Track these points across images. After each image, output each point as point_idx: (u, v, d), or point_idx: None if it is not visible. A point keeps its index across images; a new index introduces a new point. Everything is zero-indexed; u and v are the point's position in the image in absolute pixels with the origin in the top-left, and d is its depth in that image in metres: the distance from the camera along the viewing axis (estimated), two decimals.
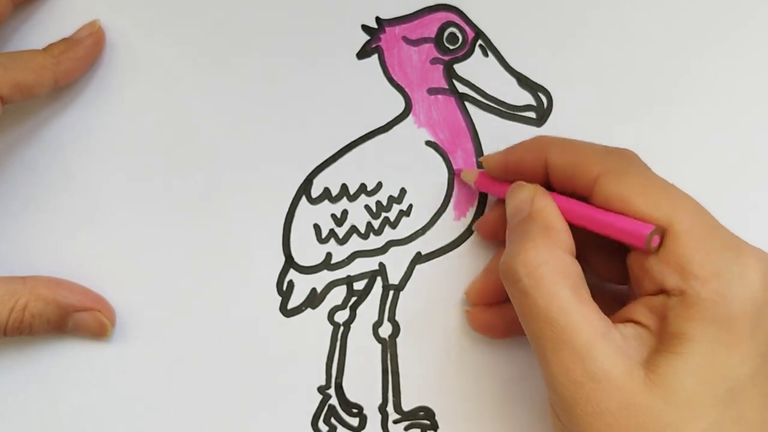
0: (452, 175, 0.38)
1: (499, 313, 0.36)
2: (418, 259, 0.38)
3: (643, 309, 0.30)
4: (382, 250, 0.38)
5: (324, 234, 0.38)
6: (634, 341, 0.29)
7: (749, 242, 0.30)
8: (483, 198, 0.38)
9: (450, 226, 0.38)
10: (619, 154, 0.33)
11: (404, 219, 0.38)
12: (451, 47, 0.39)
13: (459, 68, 0.39)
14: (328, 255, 0.38)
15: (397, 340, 0.38)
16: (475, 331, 0.37)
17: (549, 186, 0.33)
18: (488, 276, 0.37)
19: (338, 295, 0.38)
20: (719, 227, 0.30)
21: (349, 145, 0.38)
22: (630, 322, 0.30)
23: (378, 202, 0.38)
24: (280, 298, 0.38)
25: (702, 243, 0.29)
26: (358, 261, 0.38)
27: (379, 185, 0.38)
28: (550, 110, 0.39)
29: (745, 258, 0.29)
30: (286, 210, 0.38)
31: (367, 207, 0.38)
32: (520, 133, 0.39)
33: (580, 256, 0.31)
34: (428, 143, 0.38)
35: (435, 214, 0.38)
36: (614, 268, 0.34)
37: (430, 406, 0.38)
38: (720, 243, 0.29)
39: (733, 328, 0.28)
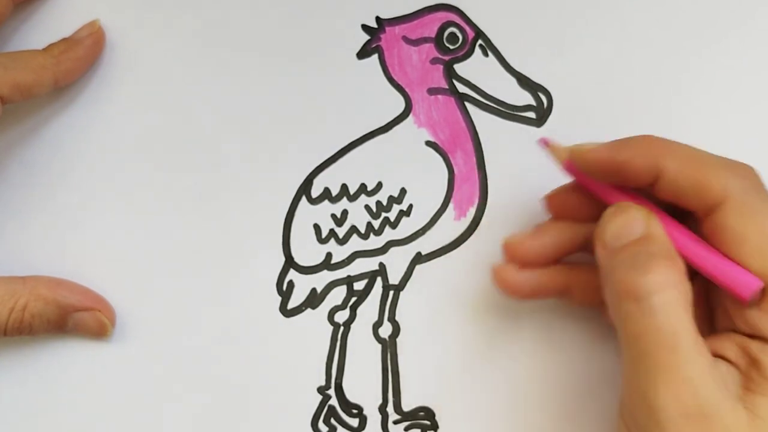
0: (452, 174, 0.38)
1: (533, 276, 0.34)
2: (418, 259, 0.38)
3: (733, 346, 0.30)
4: (382, 250, 0.38)
5: (324, 234, 0.38)
6: (729, 378, 0.29)
7: None
8: (483, 198, 0.38)
9: (450, 226, 0.38)
10: (742, 172, 0.31)
11: (404, 219, 0.38)
12: (451, 47, 0.39)
13: (459, 68, 0.39)
14: (328, 255, 0.38)
15: (397, 340, 0.38)
16: (498, 287, 0.35)
17: (650, 196, 0.32)
18: (540, 235, 0.34)
19: (338, 295, 0.38)
20: None
21: (349, 145, 0.38)
22: (721, 359, 0.30)
23: (378, 202, 0.38)
24: (280, 298, 0.38)
25: None
26: (358, 261, 0.38)
27: (379, 185, 0.38)
28: (550, 110, 0.39)
29: None
30: (286, 210, 0.38)
31: (367, 207, 0.38)
32: (520, 133, 0.39)
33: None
34: (428, 143, 0.38)
35: (435, 214, 0.38)
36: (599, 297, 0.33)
37: (430, 406, 0.38)
38: None
39: None
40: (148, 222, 0.38)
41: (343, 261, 0.38)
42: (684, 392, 0.27)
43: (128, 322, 0.38)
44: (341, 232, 0.38)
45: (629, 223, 0.31)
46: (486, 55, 0.39)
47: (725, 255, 0.30)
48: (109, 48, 0.38)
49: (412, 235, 0.38)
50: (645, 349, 0.28)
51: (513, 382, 0.38)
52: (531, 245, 0.34)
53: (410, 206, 0.38)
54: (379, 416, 0.38)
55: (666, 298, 0.28)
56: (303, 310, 0.38)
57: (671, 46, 0.39)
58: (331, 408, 0.38)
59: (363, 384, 0.38)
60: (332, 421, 0.38)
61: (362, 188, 0.38)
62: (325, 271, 0.38)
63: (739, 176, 0.30)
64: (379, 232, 0.38)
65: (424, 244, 0.38)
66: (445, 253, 0.38)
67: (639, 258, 0.29)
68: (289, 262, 0.38)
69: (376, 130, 0.38)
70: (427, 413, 0.38)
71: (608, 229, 0.31)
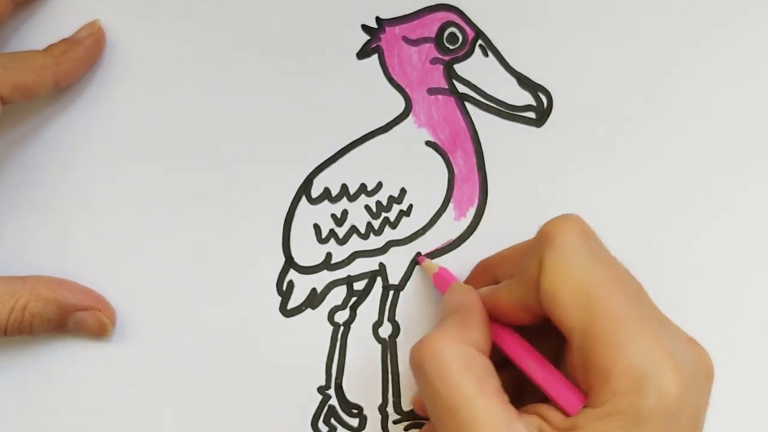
0: (452, 174, 0.38)
1: None
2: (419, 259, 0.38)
3: (551, 405, 0.30)
4: (382, 250, 0.38)
5: (324, 234, 0.38)
6: None
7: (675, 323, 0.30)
8: (483, 198, 0.38)
9: (450, 226, 0.38)
10: (560, 235, 0.31)
11: (404, 219, 0.38)
12: (451, 47, 0.39)
13: (459, 68, 0.39)
14: (328, 255, 0.38)
15: (397, 340, 0.38)
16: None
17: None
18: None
19: (338, 295, 0.38)
20: (644, 321, 0.29)
21: (349, 145, 0.38)
22: (536, 415, 0.29)
23: (378, 202, 0.38)
24: (280, 298, 0.38)
25: (621, 352, 0.28)
26: (358, 261, 0.38)
27: (379, 185, 0.38)
28: (550, 110, 0.39)
29: (664, 368, 0.28)
30: (286, 210, 0.38)
31: (367, 207, 0.38)
32: (520, 133, 0.39)
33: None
34: (428, 143, 0.38)
35: (435, 214, 0.38)
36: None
37: None
38: (642, 350, 0.28)
39: None
40: (148, 222, 0.38)
41: (343, 261, 0.38)
42: None
43: (128, 322, 0.38)
44: (341, 232, 0.38)
45: (450, 298, 0.33)
46: (486, 55, 0.39)
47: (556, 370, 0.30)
48: (109, 48, 0.38)
49: (412, 235, 0.38)
50: (433, 415, 0.29)
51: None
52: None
53: (410, 206, 0.38)
54: (379, 416, 0.38)
55: (441, 365, 0.29)
56: (303, 310, 0.38)
57: (672, 46, 0.39)
58: (331, 408, 0.38)
59: (363, 384, 0.38)
60: (332, 420, 0.38)
61: (362, 188, 0.38)
62: (325, 271, 0.38)
63: (550, 245, 0.30)
64: (379, 232, 0.38)
65: (424, 244, 0.38)
66: (445, 253, 0.38)
67: (430, 331, 0.31)
68: (289, 262, 0.38)
69: (376, 130, 0.38)
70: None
71: (441, 308, 0.34)
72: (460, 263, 0.38)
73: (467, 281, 0.37)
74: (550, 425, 0.29)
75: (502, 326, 0.32)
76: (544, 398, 0.30)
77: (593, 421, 0.28)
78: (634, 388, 0.27)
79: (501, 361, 0.31)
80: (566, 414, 0.29)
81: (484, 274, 0.36)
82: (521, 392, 0.32)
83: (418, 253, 0.38)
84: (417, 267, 0.38)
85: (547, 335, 0.32)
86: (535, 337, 0.32)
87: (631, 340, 0.28)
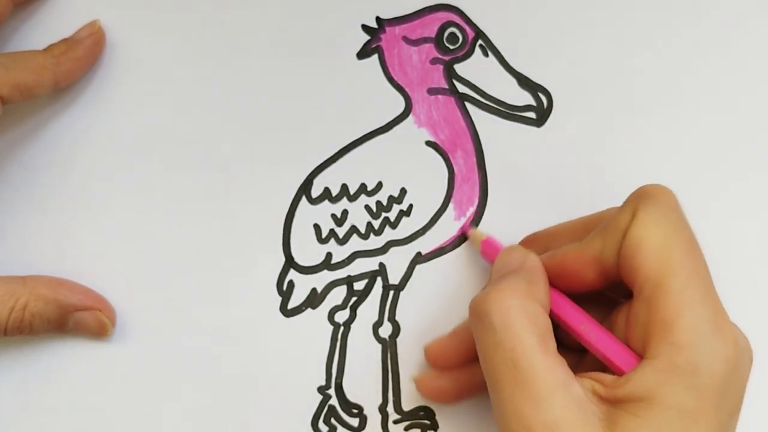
0: (452, 174, 0.38)
1: (453, 377, 0.36)
2: (418, 259, 0.38)
3: (602, 372, 0.30)
4: (382, 250, 0.38)
5: (324, 234, 0.38)
6: (595, 396, 0.29)
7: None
8: (483, 198, 0.38)
9: (450, 226, 0.38)
10: (652, 198, 0.32)
11: (404, 219, 0.38)
12: (452, 47, 0.39)
13: (459, 68, 0.39)
14: (329, 255, 0.38)
15: (397, 340, 0.38)
16: (424, 397, 0.37)
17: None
18: (455, 337, 0.36)
19: (338, 295, 0.38)
20: (711, 294, 0.30)
21: (349, 145, 0.38)
22: (590, 377, 0.30)
23: (378, 202, 0.38)
24: (280, 298, 0.38)
25: (689, 308, 0.29)
26: (359, 261, 0.38)
27: (379, 185, 0.38)
28: (550, 110, 0.39)
29: (724, 334, 0.28)
30: (286, 210, 0.38)
31: (367, 207, 0.38)
32: (520, 133, 0.39)
33: None
34: (428, 143, 0.38)
35: (435, 214, 0.38)
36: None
37: (430, 406, 0.38)
38: (705, 313, 0.29)
39: (701, 399, 0.28)
40: (148, 222, 0.38)
41: (343, 261, 0.38)
42: (526, 407, 0.28)
43: (128, 322, 0.38)
44: (341, 232, 0.38)
45: (508, 258, 0.33)
46: (486, 55, 0.39)
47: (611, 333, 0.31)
48: (109, 48, 0.38)
49: (412, 235, 0.38)
50: (490, 366, 0.29)
51: None
52: (448, 346, 0.36)
53: (410, 206, 0.38)
54: (379, 416, 0.38)
55: (508, 316, 0.29)
56: (303, 310, 0.38)
57: (672, 46, 0.39)
58: (332, 408, 0.38)
59: (363, 384, 0.38)
60: (332, 420, 0.38)
61: (362, 188, 0.38)
62: (326, 271, 0.38)
63: (648, 201, 0.31)
64: (379, 232, 0.38)
65: (424, 244, 0.38)
66: (445, 253, 0.38)
67: (494, 283, 0.31)
68: (290, 262, 0.38)
69: (376, 130, 0.39)
70: (427, 413, 0.38)
71: (494, 268, 0.34)
72: (460, 263, 0.38)
73: None
74: (604, 386, 0.29)
75: (556, 291, 0.32)
76: (592, 369, 0.30)
77: (649, 373, 0.28)
78: (694, 344, 0.28)
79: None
80: (620, 374, 0.29)
81: (532, 246, 0.36)
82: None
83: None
84: (417, 267, 0.38)
85: (590, 306, 0.32)
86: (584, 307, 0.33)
87: (699, 301, 0.29)
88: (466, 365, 0.36)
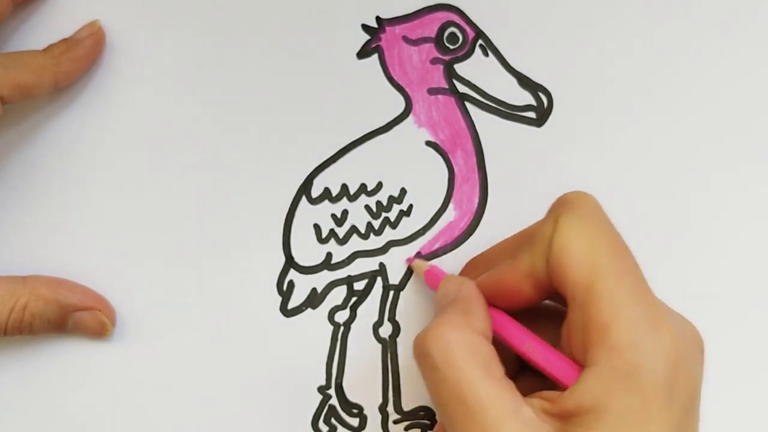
0: (452, 174, 0.38)
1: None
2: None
3: (549, 390, 0.30)
4: (383, 250, 0.38)
5: (324, 234, 0.38)
6: (546, 415, 0.29)
7: (670, 309, 0.30)
8: (483, 198, 0.38)
9: (450, 227, 0.38)
10: (571, 204, 0.31)
11: (404, 219, 0.38)
12: (452, 47, 0.39)
13: (459, 68, 0.39)
14: (329, 255, 0.38)
15: (397, 340, 0.38)
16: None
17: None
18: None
19: (338, 295, 0.38)
20: (644, 292, 0.29)
21: (349, 145, 0.38)
22: (539, 396, 0.29)
23: (378, 202, 0.38)
24: (280, 298, 0.38)
25: (623, 309, 0.28)
26: (359, 261, 0.38)
27: (379, 185, 0.38)
28: (550, 110, 0.39)
29: (662, 330, 0.28)
30: (286, 210, 0.38)
31: (367, 207, 0.38)
32: (520, 133, 0.39)
33: None
34: (428, 143, 0.38)
35: (435, 214, 0.38)
36: None
37: (431, 406, 0.38)
38: (640, 311, 0.28)
39: (648, 400, 0.27)
40: (148, 222, 0.38)
41: (343, 261, 0.38)
42: None
43: (128, 322, 0.38)
44: (341, 232, 0.38)
45: (446, 289, 0.33)
46: (486, 55, 0.39)
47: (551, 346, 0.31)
48: (109, 48, 0.38)
49: (412, 235, 0.38)
50: (439, 403, 0.29)
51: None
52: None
53: (410, 206, 0.38)
54: (379, 416, 0.38)
55: (447, 352, 0.29)
56: (303, 310, 0.38)
57: (672, 46, 0.39)
58: (332, 407, 0.38)
59: (363, 384, 0.38)
60: (332, 420, 0.38)
61: (362, 188, 0.38)
62: (326, 271, 0.38)
63: (569, 208, 0.31)
64: (379, 232, 0.38)
65: (424, 244, 0.38)
66: (445, 253, 0.38)
67: (432, 320, 0.31)
68: (290, 262, 0.38)
69: (376, 130, 0.39)
70: (427, 413, 0.38)
71: (435, 300, 0.34)
72: (460, 263, 0.38)
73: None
74: (552, 403, 0.29)
75: (498, 312, 0.32)
76: (539, 387, 0.30)
77: (592, 382, 0.28)
78: (631, 345, 0.27)
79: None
80: (565, 387, 0.29)
81: (474, 270, 0.36)
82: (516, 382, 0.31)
83: (418, 253, 0.38)
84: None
85: (540, 320, 0.32)
86: (528, 325, 0.32)
87: (632, 300, 0.28)
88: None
